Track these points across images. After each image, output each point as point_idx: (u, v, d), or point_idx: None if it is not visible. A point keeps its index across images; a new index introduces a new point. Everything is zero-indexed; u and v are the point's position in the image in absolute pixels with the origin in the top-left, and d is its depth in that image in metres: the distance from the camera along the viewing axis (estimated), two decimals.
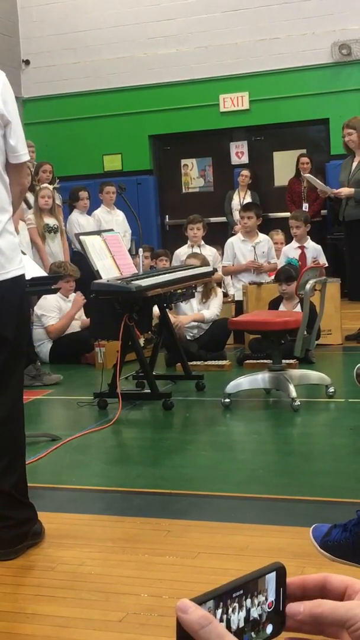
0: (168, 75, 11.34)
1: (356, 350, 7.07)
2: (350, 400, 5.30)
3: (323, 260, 7.84)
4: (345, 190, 7.27)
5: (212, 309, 7.08)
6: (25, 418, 3.16)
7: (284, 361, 5.62)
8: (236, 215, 10.13)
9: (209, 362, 6.75)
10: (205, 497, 3.69)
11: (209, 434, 4.97)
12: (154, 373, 5.92)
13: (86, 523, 3.40)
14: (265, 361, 6.23)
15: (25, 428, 3.16)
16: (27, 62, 11.95)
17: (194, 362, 6.57)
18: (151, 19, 11.32)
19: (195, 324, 7.04)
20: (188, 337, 7.03)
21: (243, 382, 5.45)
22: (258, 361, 6.52)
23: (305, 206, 9.72)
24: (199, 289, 6.86)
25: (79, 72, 11.69)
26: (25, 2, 11.86)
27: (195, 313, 7.01)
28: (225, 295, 8.08)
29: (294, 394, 5.17)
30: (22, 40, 11.93)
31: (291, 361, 6.13)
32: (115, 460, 4.52)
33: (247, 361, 6.71)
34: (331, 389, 5.47)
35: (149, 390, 5.59)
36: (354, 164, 7.40)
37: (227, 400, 5.37)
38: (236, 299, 7.94)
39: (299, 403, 5.13)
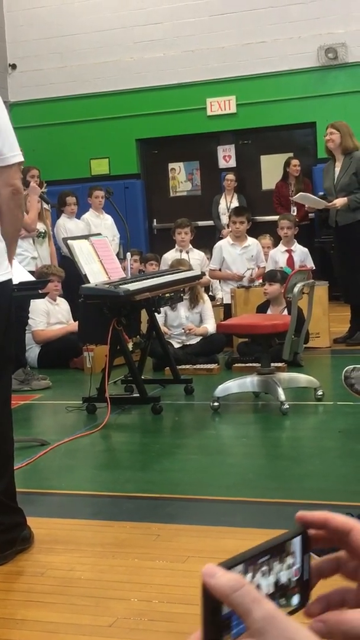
0: (155, 79, 11.35)
1: (344, 353, 7.09)
2: (338, 403, 5.30)
3: (310, 264, 7.86)
4: (340, 202, 7.19)
5: (211, 320, 7.10)
6: (13, 423, 3.15)
7: (272, 364, 5.63)
8: (224, 219, 10.14)
9: (198, 366, 6.76)
10: (194, 501, 3.68)
11: (198, 437, 4.97)
12: (142, 377, 5.92)
13: (76, 528, 3.39)
14: (253, 365, 6.24)
15: (13, 433, 3.14)
16: (13, 67, 11.93)
17: (183, 366, 6.58)
18: (138, 23, 11.33)
19: (183, 330, 7.06)
20: (176, 345, 7.03)
21: (232, 386, 5.45)
22: (247, 365, 6.53)
23: (294, 209, 9.74)
24: (186, 295, 6.88)
25: (66, 76, 11.69)
26: (11, 6, 11.84)
27: (202, 327, 7.05)
28: (213, 298, 8.09)
29: (282, 397, 5.18)
30: (9, 45, 11.91)
31: (280, 364, 6.14)
32: (105, 465, 4.51)
33: (236, 365, 6.71)
34: (320, 392, 5.47)
35: (138, 395, 5.58)
36: (337, 169, 7.32)
37: (216, 404, 5.37)
38: (224, 302, 7.95)
39: (287, 406, 5.14)
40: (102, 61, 11.53)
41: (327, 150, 7.41)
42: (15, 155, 3.01)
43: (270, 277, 6.79)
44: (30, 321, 7.40)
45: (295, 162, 10.08)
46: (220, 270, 8.10)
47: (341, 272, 7.60)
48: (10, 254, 3.14)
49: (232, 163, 11.32)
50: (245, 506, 3.58)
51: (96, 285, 5.42)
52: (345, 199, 7.17)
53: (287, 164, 10.25)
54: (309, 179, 10.35)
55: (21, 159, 3.04)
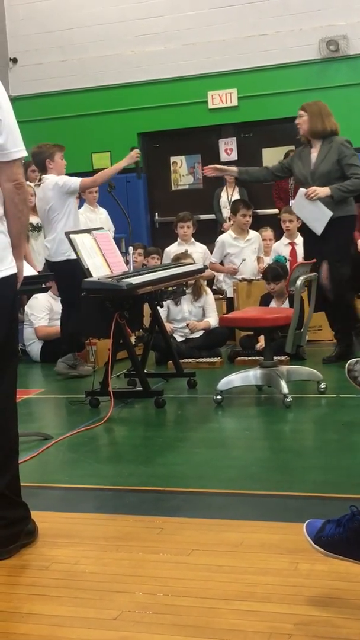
0: (156, 73, 11.32)
1: None
2: (341, 395, 5.31)
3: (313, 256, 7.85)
4: (322, 190, 6.25)
5: (213, 314, 7.10)
6: (17, 417, 3.15)
7: (275, 357, 5.63)
8: (225, 212, 10.13)
9: (200, 360, 6.76)
10: (198, 494, 3.69)
11: (201, 431, 4.97)
12: (145, 371, 5.92)
13: (79, 522, 3.40)
14: (256, 358, 6.24)
15: (17, 427, 3.15)
16: (14, 61, 11.91)
17: (186, 360, 6.59)
18: (138, 16, 11.30)
19: (187, 325, 7.07)
20: (179, 338, 7.04)
21: (235, 379, 5.45)
22: (249, 358, 6.53)
23: (292, 202, 9.72)
24: (189, 289, 6.88)
25: (67, 70, 11.66)
26: (12, 1, 11.81)
27: (204, 321, 7.06)
28: (217, 292, 8.10)
29: (285, 390, 5.18)
30: (10, 39, 11.89)
31: (282, 357, 6.14)
32: (108, 459, 4.52)
33: (239, 358, 6.72)
34: (322, 385, 5.48)
35: (141, 388, 5.59)
36: (313, 155, 6.46)
37: (219, 397, 5.37)
38: (228, 296, 7.95)
39: (290, 399, 5.14)
40: (103, 55, 11.50)
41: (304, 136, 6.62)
42: (19, 150, 3.01)
43: (274, 277, 6.76)
44: (32, 317, 7.40)
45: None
46: (222, 264, 8.11)
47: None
48: (20, 249, 3.13)
49: (234, 156, 11.29)
50: (248, 499, 3.59)
51: (99, 279, 5.42)
52: (327, 188, 6.27)
53: (286, 156, 10.21)
54: None
55: (24, 154, 3.04)
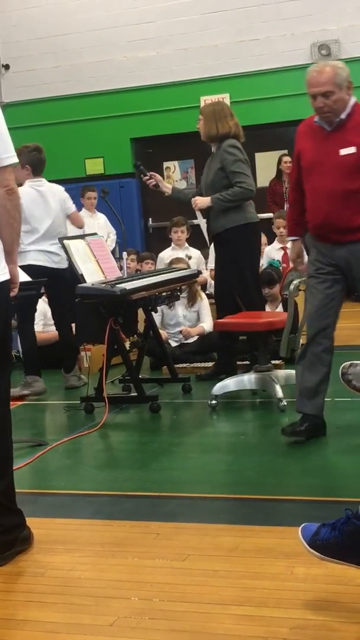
0: (149, 78, 11.34)
1: (341, 349, 7.08)
2: (336, 399, 5.30)
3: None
4: (200, 201, 5.90)
5: (208, 319, 7.09)
6: (11, 424, 3.15)
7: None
8: None
9: (195, 365, 6.76)
10: (193, 499, 3.69)
11: (196, 436, 4.97)
12: (140, 376, 5.92)
13: (75, 528, 3.40)
14: (244, 362, 6.23)
15: (12, 434, 3.15)
16: (6, 67, 11.92)
17: (180, 365, 6.58)
18: (130, 22, 11.32)
19: (181, 327, 7.07)
20: (174, 343, 7.04)
21: (229, 384, 5.46)
22: (244, 362, 6.53)
23: (287, 207, 9.74)
24: (184, 293, 6.87)
25: (60, 76, 11.68)
26: (4, 7, 11.83)
27: (199, 326, 7.04)
28: (211, 296, 8.09)
29: (280, 394, 5.18)
30: (2, 45, 11.90)
31: (277, 361, 6.14)
32: (103, 464, 4.51)
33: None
34: None
35: (136, 394, 5.59)
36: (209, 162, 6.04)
37: (214, 402, 5.37)
38: None
39: (285, 403, 5.14)
40: (96, 60, 11.52)
41: None
42: (10, 156, 3.02)
43: (268, 281, 6.76)
44: None
45: (287, 159, 10.08)
46: None
47: (216, 286, 6.27)
48: (13, 254, 3.13)
49: None
50: (244, 503, 3.59)
51: (93, 284, 5.42)
52: (208, 198, 5.84)
53: (279, 161, 10.25)
54: None
55: (15, 160, 3.04)
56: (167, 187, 6.36)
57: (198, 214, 6.14)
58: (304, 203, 4.45)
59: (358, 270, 4.32)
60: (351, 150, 4.20)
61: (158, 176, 6.33)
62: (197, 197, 5.99)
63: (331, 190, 4.23)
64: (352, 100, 4.27)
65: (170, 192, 6.31)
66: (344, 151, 4.22)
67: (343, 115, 4.25)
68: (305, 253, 4.75)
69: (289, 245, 7.82)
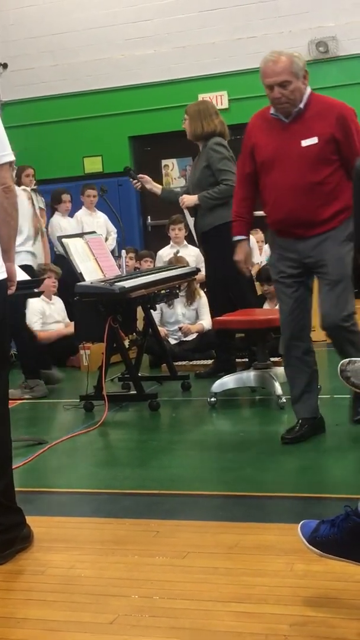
0: (146, 76, 11.33)
1: None
2: (335, 396, 5.31)
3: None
4: (187, 199, 5.97)
5: (206, 317, 7.09)
6: (10, 422, 3.15)
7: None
8: None
9: (195, 362, 6.77)
10: (193, 497, 3.69)
11: (195, 433, 4.98)
12: (139, 374, 5.92)
13: (75, 526, 3.40)
14: (243, 360, 6.24)
15: (11, 433, 3.15)
16: (4, 66, 11.90)
17: (180, 362, 6.59)
18: (128, 20, 11.31)
19: (180, 325, 7.08)
20: (173, 341, 7.04)
21: (229, 381, 5.46)
22: (243, 360, 6.53)
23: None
24: (182, 292, 6.87)
25: (57, 74, 11.67)
26: (1, 6, 11.81)
27: (198, 324, 7.05)
28: None
29: (279, 391, 5.19)
30: (0, 44, 11.89)
31: (276, 359, 6.15)
32: (103, 463, 4.51)
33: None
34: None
35: (135, 392, 5.59)
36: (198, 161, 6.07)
37: (213, 399, 5.38)
38: None
39: (284, 400, 5.14)
40: (94, 59, 11.51)
41: None
42: (7, 154, 3.02)
43: (268, 278, 6.75)
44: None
45: None
46: None
47: (208, 286, 6.38)
48: (11, 253, 3.13)
49: None
50: (244, 500, 3.59)
51: (92, 283, 5.43)
52: (195, 196, 5.92)
53: None
54: None
55: (12, 158, 3.04)
56: (157, 187, 6.36)
57: (186, 212, 6.15)
58: (254, 200, 4.36)
59: (323, 259, 4.16)
60: (313, 140, 4.09)
61: (147, 177, 6.34)
62: (184, 196, 6.03)
63: (295, 184, 4.11)
64: (308, 90, 4.16)
65: (160, 192, 6.30)
66: (305, 142, 4.10)
67: (301, 105, 4.12)
68: (254, 253, 4.62)
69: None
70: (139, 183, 6.24)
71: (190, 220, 6.12)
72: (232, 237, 4.62)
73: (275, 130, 4.20)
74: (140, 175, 6.34)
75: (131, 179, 6.34)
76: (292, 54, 4.14)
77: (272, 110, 4.23)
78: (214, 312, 6.10)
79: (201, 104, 6.35)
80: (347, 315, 4.16)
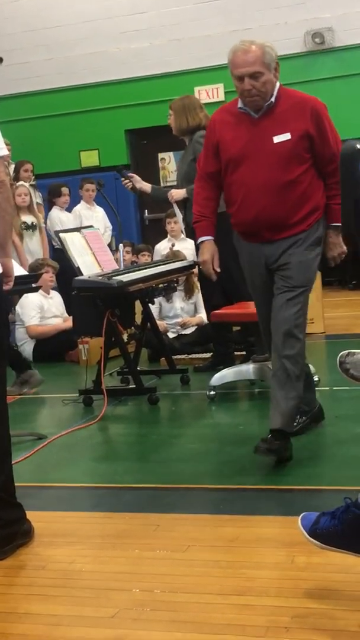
0: (142, 69, 11.32)
1: (339, 338, 7.10)
2: (334, 388, 5.32)
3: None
4: (176, 193, 5.92)
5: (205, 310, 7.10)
6: (9, 417, 3.15)
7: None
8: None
9: (193, 356, 6.77)
10: (193, 490, 3.69)
11: (195, 427, 4.98)
12: (138, 368, 5.92)
13: (75, 520, 3.40)
14: (241, 353, 6.23)
15: (10, 427, 3.14)
16: (0, 60, 11.88)
17: (178, 356, 6.58)
18: (123, 13, 11.29)
19: (179, 320, 7.07)
20: (172, 335, 7.04)
21: (228, 374, 5.46)
22: (242, 353, 6.53)
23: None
24: (181, 286, 6.87)
25: (53, 68, 11.65)
26: None
27: (197, 317, 7.05)
28: None
29: None
30: None
31: None
32: (103, 457, 4.51)
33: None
34: (315, 378, 5.47)
35: (134, 386, 5.59)
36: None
37: (213, 392, 5.38)
38: None
39: None
40: (89, 52, 11.49)
41: None
42: (0, 149, 3.01)
43: None
44: (23, 316, 7.39)
45: None
46: None
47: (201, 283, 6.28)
48: (7, 248, 3.13)
49: None
50: (244, 494, 3.59)
51: (89, 277, 5.42)
52: (184, 190, 5.83)
53: None
54: None
55: (6, 152, 3.04)
56: (146, 186, 6.33)
57: (175, 206, 6.10)
58: (218, 200, 4.12)
59: (289, 262, 3.91)
60: (286, 136, 3.81)
61: (136, 177, 6.31)
62: (172, 190, 6.00)
63: (266, 183, 3.83)
64: (278, 83, 3.91)
65: (150, 190, 6.27)
66: (278, 138, 3.82)
67: (272, 99, 3.85)
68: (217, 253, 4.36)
69: None
70: (130, 182, 6.23)
71: (180, 215, 6.10)
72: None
73: (244, 125, 3.90)
74: (129, 174, 6.32)
75: (122, 178, 6.32)
76: (264, 44, 3.88)
77: (239, 104, 3.93)
78: (207, 306, 6.06)
79: (185, 98, 6.30)
80: (298, 324, 3.96)
